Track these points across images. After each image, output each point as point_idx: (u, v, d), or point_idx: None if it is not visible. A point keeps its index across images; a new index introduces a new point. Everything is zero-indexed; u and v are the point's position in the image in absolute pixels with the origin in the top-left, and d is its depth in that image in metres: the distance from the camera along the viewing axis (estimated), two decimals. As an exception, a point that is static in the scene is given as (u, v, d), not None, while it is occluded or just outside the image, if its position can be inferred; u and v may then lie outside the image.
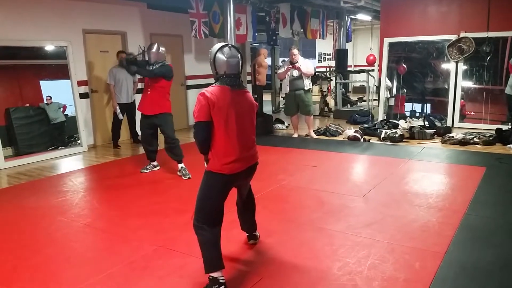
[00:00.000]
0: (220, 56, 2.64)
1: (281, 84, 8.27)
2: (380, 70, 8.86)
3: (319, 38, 10.79)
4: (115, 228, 3.67)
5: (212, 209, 2.61)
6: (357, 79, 12.53)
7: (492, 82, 7.84)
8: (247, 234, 3.22)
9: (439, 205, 3.97)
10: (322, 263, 2.91)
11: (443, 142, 6.71)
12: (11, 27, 6.11)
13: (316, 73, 9.97)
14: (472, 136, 6.61)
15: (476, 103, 8.03)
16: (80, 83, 7.01)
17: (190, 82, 8.99)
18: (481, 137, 6.56)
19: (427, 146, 6.56)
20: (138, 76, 6.86)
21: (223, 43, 2.73)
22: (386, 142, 6.88)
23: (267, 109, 10.79)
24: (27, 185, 5.12)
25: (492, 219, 3.63)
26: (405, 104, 8.98)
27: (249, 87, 9.98)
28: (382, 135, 7.01)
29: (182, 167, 5.17)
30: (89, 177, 5.57)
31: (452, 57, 7.94)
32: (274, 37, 9.48)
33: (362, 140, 7.04)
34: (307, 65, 7.23)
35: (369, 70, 9.56)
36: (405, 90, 8.82)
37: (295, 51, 7.18)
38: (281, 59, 12.78)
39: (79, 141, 6.99)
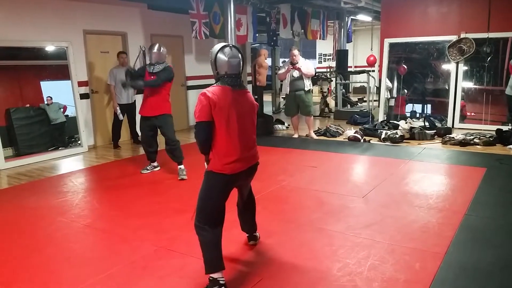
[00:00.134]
0: (221, 56, 2.64)
1: (281, 85, 8.27)
2: (380, 71, 8.86)
3: (320, 38, 10.80)
4: (115, 229, 3.67)
5: (213, 209, 2.61)
6: (357, 80, 12.52)
7: (493, 82, 7.84)
8: (247, 235, 3.22)
9: (439, 205, 3.97)
10: (322, 263, 2.91)
11: (444, 142, 6.71)
12: (12, 28, 6.12)
13: (317, 74, 9.96)
14: (472, 137, 6.61)
15: (476, 104, 8.03)
16: (81, 84, 7.02)
17: (190, 82, 8.99)
18: (481, 137, 6.56)
19: (427, 146, 6.56)
20: None
21: (224, 43, 2.74)
22: (387, 143, 6.88)
23: (268, 109, 10.79)
24: (27, 185, 5.12)
25: (492, 220, 3.63)
26: (406, 104, 8.99)
27: (249, 88, 9.99)
28: (383, 136, 7.01)
29: (180, 168, 5.17)
30: (89, 177, 5.57)
31: (453, 57, 7.94)
32: (274, 38, 9.49)
33: (362, 140, 7.04)
34: (308, 66, 7.23)
35: (370, 71, 9.56)
36: (406, 91, 8.81)
37: (296, 51, 7.18)
38: (281, 60, 12.79)
39: (79, 142, 6.99)
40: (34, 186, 5.09)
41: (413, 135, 7.04)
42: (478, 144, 6.46)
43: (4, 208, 4.28)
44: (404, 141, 6.91)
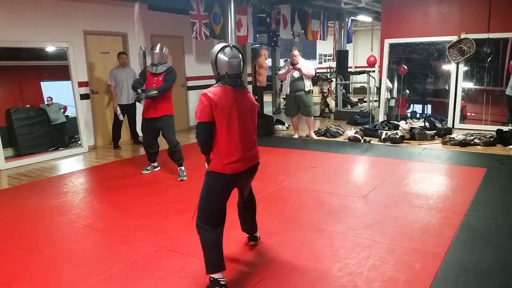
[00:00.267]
0: (221, 56, 2.64)
1: (281, 85, 8.28)
2: (380, 71, 8.86)
3: (320, 39, 10.80)
4: (115, 229, 3.67)
5: (214, 209, 2.61)
6: (357, 80, 12.53)
7: (493, 83, 7.84)
8: (247, 235, 3.22)
9: (439, 206, 3.97)
10: (322, 264, 2.91)
11: (444, 143, 6.71)
12: (12, 28, 6.12)
13: (317, 74, 9.97)
14: (472, 137, 6.61)
15: (476, 104, 8.03)
16: (81, 84, 7.02)
17: (190, 83, 8.99)
18: (481, 138, 6.55)
19: (427, 147, 6.55)
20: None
21: (224, 44, 2.74)
22: (387, 143, 6.88)
23: (268, 110, 10.79)
24: (27, 186, 5.12)
25: (492, 220, 3.62)
26: (407, 105, 8.99)
27: (249, 88, 9.99)
28: (383, 136, 7.01)
29: (181, 169, 5.17)
30: (90, 178, 5.57)
31: (453, 58, 7.94)
32: (274, 38, 9.50)
33: (362, 141, 7.04)
34: (308, 66, 7.23)
35: (370, 71, 9.56)
36: (408, 91, 8.80)
37: (296, 52, 7.18)
38: (281, 60, 12.79)
39: (79, 142, 7.00)
40: (35, 186, 5.09)
41: (413, 136, 7.04)
42: (478, 145, 6.45)
43: (4, 209, 4.28)
44: (405, 141, 6.91)
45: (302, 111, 7.40)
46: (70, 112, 7.03)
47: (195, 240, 2.65)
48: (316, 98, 11.14)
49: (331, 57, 15.21)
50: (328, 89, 11.09)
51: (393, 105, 8.74)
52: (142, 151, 6.39)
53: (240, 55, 2.70)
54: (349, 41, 11.86)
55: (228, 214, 2.69)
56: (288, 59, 7.51)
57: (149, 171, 5.45)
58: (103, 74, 7.28)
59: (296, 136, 7.67)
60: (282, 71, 7.39)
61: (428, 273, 2.73)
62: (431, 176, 5.01)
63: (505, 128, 6.73)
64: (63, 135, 7.01)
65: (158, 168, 5.54)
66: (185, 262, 2.97)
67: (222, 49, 2.66)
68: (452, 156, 5.98)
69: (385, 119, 8.39)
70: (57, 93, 6.87)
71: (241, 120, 2.61)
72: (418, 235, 3.33)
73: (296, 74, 7.16)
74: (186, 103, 8.99)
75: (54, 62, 6.92)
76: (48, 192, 4.81)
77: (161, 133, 5.21)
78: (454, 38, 7.90)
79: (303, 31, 9.74)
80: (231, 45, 2.71)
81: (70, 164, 6.28)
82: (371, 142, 7.04)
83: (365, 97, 11.20)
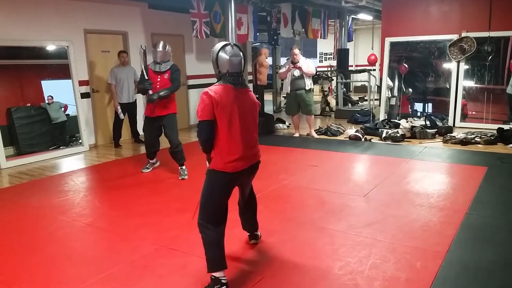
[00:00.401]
0: (222, 55, 2.64)
1: (282, 84, 8.27)
2: (381, 70, 8.85)
3: (320, 37, 10.79)
4: (116, 228, 3.67)
5: (216, 207, 2.62)
6: (358, 79, 12.52)
7: (494, 81, 7.83)
8: (248, 234, 3.22)
9: (440, 204, 3.97)
10: (323, 262, 2.91)
11: (445, 141, 6.70)
12: (13, 27, 6.12)
13: (317, 73, 9.96)
14: (473, 136, 6.60)
15: (477, 103, 8.02)
16: (82, 83, 7.02)
17: (191, 81, 8.98)
18: (482, 136, 6.55)
19: (428, 145, 6.55)
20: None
21: (225, 42, 2.74)
22: (388, 142, 6.87)
23: (268, 108, 10.78)
24: (28, 184, 5.12)
25: (493, 219, 3.62)
26: (410, 104, 8.98)
27: (250, 87, 9.96)
28: (383, 135, 7.00)
29: (182, 168, 5.17)
30: (90, 176, 5.57)
31: (454, 56, 7.93)
32: (275, 37, 9.48)
33: (363, 139, 7.04)
34: (308, 65, 7.22)
35: (370, 70, 9.55)
36: (410, 90, 8.78)
37: (296, 50, 7.17)
38: (283, 59, 12.78)
39: (80, 141, 7.00)
40: (35, 185, 5.10)
41: (414, 134, 7.03)
42: (479, 143, 6.45)
43: (5, 207, 4.29)
44: (405, 140, 6.90)
45: (302, 109, 7.39)
46: (71, 111, 7.03)
47: (196, 239, 2.65)
48: (317, 96, 11.14)
49: (332, 56, 15.20)
50: (329, 87, 11.07)
51: (394, 103, 8.74)
52: (142, 149, 6.38)
53: (241, 54, 2.70)
54: (349, 39, 11.83)
55: (229, 212, 2.69)
56: (289, 58, 7.51)
57: (149, 169, 5.45)
58: (103, 72, 7.28)
59: (296, 134, 7.67)
60: (282, 70, 7.38)
61: (429, 272, 2.73)
62: (432, 175, 5.01)
63: (506, 127, 6.72)
64: (63, 133, 7.01)
65: (157, 163, 5.54)
66: (186, 261, 2.97)
67: (223, 47, 2.66)
68: (453, 155, 5.98)
69: (386, 117, 8.39)
70: (58, 92, 6.87)
71: (242, 119, 2.61)
72: (419, 234, 3.33)
73: (296, 72, 7.15)
74: (186, 102, 8.98)
75: (54, 60, 6.92)
76: (49, 190, 4.81)
77: (163, 132, 5.20)
78: (455, 37, 7.89)
79: (303, 29, 9.73)
80: (232, 44, 2.71)
81: (70, 162, 6.28)
82: (371, 140, 7.04)
83: (365, 96, 11.18)
